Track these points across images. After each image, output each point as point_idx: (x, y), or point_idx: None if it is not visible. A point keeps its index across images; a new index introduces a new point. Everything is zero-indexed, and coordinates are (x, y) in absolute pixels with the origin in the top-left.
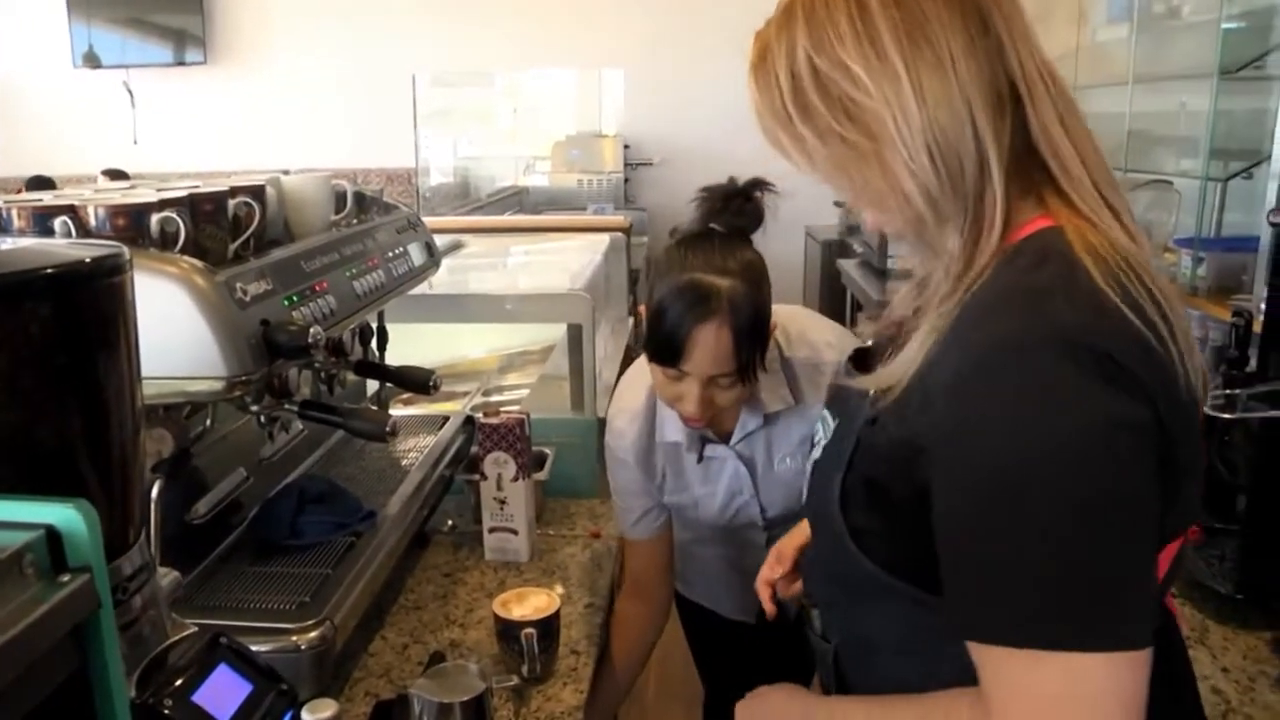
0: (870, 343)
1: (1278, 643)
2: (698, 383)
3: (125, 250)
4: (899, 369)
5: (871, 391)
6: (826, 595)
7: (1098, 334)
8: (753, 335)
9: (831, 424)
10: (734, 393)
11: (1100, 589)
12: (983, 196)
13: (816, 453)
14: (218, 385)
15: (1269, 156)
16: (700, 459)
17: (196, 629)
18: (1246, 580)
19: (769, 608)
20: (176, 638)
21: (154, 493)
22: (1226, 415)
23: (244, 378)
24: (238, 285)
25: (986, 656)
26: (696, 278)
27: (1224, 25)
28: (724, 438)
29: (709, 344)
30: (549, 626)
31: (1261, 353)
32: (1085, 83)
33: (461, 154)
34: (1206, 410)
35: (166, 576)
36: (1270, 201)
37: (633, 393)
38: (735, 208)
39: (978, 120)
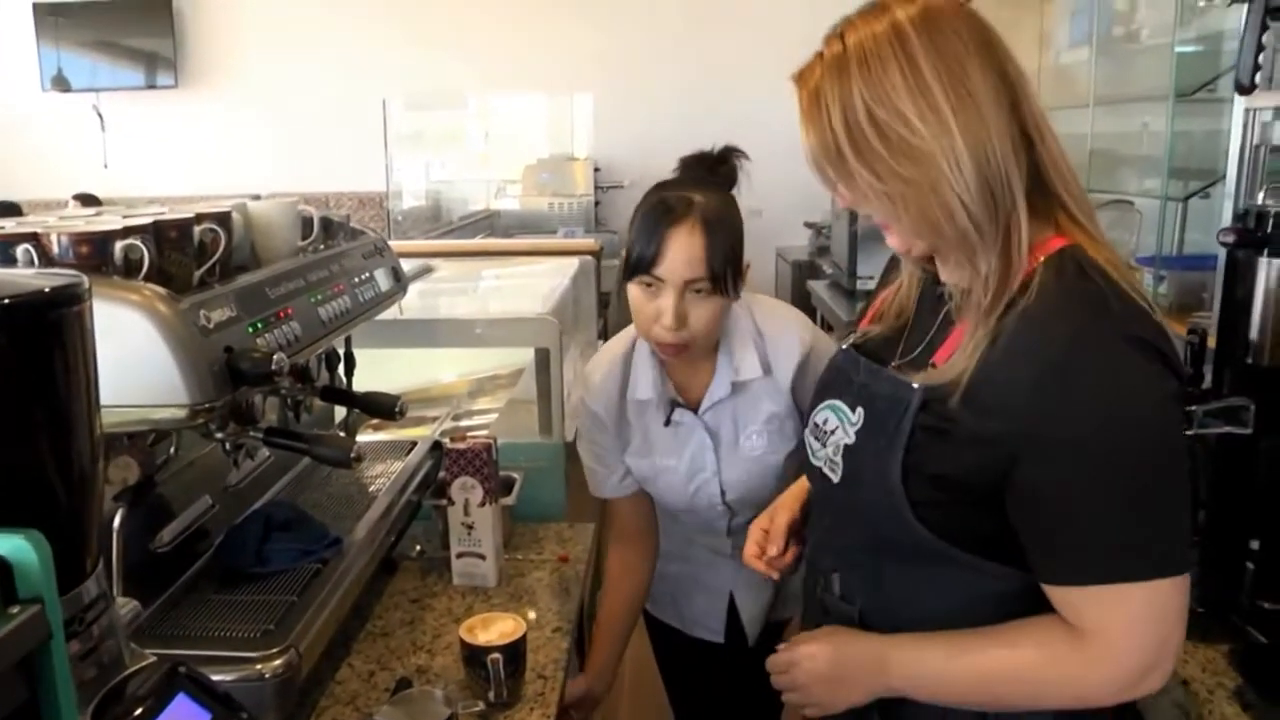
0: (855, 340)
1: (1235, 655)
2: (674, 291)
3: (84, 279)
4: (953, 369)
5: (916, 384)
6: (855, 562)
7: (1145, 328)
8: (724, 243)
9: (852, 413)
10: (708, 308)
11: (1173, 527)
12: (1010, 224)
13: (845, 439)
14: (181, 413)
15: (1224, 176)
16: (668, 422)
17: (155, 658)
18: (1206, 594)
19: (773, 575)
20: (134, 668)
21: (115, 522)
22: (1184, 432)
23: (207, 405)
24: (201, 312)
25: (1083, 596)
26: (670, 193)
27: (1178, 49)
28: (693, 407)
29: (681, 245)
30: (515, 651)
31: (1215, 370)
32: (1049, 104)
33: (433, 178)
34: None
35: (125, 606)
36: (1227, 221)
37: (609, 355)
38: (708, 166)
39: (1007, 160)
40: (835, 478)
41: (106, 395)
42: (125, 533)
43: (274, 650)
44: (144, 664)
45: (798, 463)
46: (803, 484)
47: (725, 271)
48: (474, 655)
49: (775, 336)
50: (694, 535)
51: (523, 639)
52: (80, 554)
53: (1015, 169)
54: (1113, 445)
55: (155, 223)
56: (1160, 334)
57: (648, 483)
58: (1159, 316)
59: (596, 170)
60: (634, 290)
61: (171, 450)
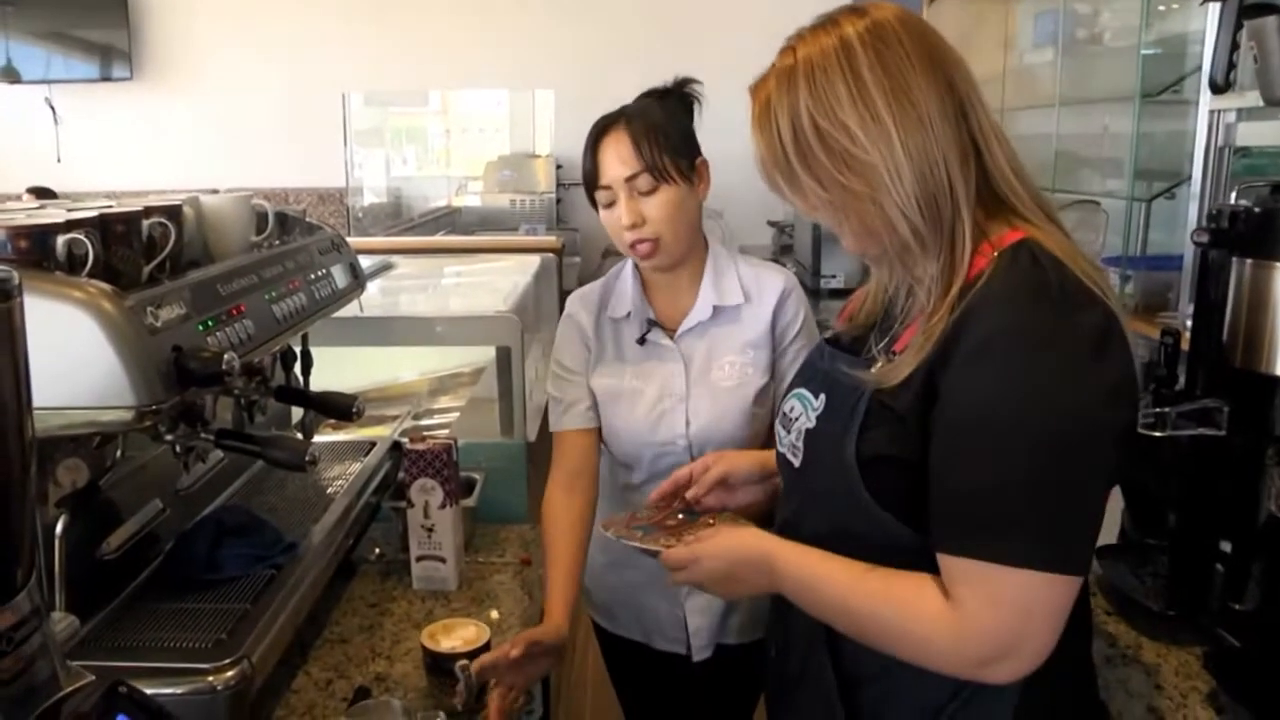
0: (828, 336)
1: (1208, 658)
2: (622, 193)
3: (14, 275)
4: (902, 365)
5: (870, 376)
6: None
7: (1090, 315)
8: (653, 135)
9: (815, 399)
10: (661, 200)
11: (1067, 523)
12: (955, 231)
13: (807, 423)
14: (127, 415)
15: (1189, 178)
16: (643, 341)
17: (93, 678)
18: (1177, 596)
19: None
20: (70, 688)
21: (57, 529)
22: (1156, 433)
23: (154, 407)
24: (148, 310)
25: (956, 566)
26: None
27: (1143, 51)
28: (670, 332)
29: (610, 148)
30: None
31: (1189, 371)
32: (1014, 105)
33: (394, 174)
34: (1137, 429)
35: (62, 622)
36: (1192, 221)
37: (600, 279)
38: (658, 95)
39: (951, 171)
40: (797, 462)
41: (50, 397)
42: (68, 541)
43: (226, 661)
44: (81, 684)
45: (765, 410)
46: (763, 455)
47: (661, 161)
48: (438, 663)
49: (759, 273)
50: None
51: (488, 645)
52: (9, 567)
53: (961, 178)
54: (1022, 427)
55: (101, 216)
56: (1108, 320)
57: (610, 408)
58: (1113, 303)
59: (559, 167)
60: (602, 214)
61: (118, 454)
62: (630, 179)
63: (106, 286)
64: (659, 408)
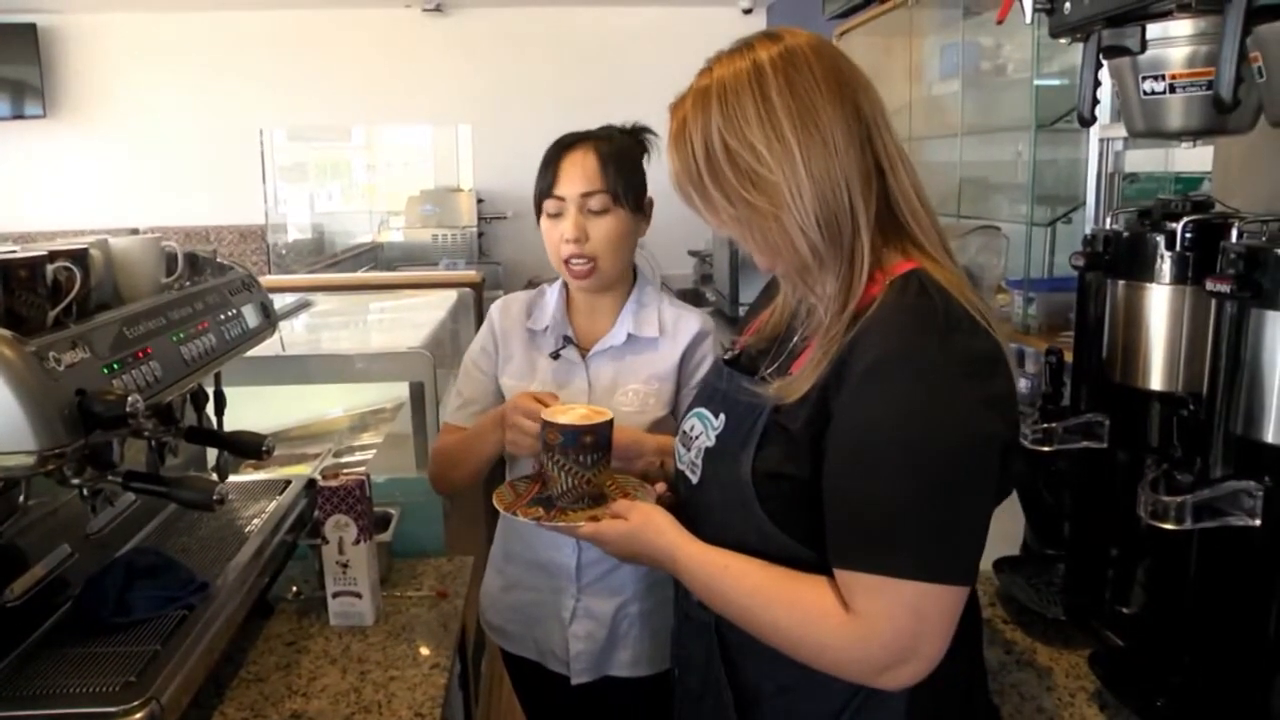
0: (729, 355)
1: (1096, 658)
2: (574, 206)
3: None
4: (799, 383)
5: (769, 395)
6: None
7: (970, 341)
8: (617, 163)
9: (715, 420)
10: (607, 224)
11: (952, 534)
12: (854, 251)
13: (707, 442)
14: (29, 460)
15: (1084, 202)
16: (556, 356)
17: None
18: (1071, 602)
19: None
20: None
21: None
22: (1045, 448)
23: (57, 451)
24: (50, 354)
25: (853, 580)
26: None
27: (1039, 82)
28: (584, 352)
29: (576, 163)
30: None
31: (1073, 387)
32: (921, 134)
33: (318, 210)
34: (1026, 444)
35: None
36: None
37: (532, 290)
38: (616, 132)
39: (853, 193)
40: (694, 479)
41: None
42: None
43: (134, 703)
44: None
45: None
46: (640, 435)
47: (619, 188)
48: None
49: (680, 314)
50: (542, 557)
51: (598, 425)
52: None
53: (862, 201)
54: (907, 446)
55: (2, 262)
56: (991, 350)
57: None
58: (995, 333)
59: (480, 202)
60: (544, 224)
61: (22, 499)
62: (586, 195)
63: (5, 332)
64: None
